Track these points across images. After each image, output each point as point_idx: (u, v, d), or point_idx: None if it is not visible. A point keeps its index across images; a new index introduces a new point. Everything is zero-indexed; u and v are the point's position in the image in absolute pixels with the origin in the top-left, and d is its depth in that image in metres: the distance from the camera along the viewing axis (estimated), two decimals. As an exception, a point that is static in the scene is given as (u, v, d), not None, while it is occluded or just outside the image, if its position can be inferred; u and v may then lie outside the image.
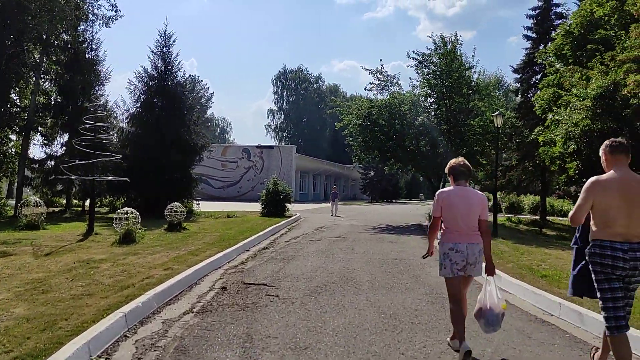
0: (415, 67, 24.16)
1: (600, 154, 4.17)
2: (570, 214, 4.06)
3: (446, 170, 4.91)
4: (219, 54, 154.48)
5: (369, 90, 24.70)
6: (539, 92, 20.95)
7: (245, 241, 12.90)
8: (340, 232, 17.53)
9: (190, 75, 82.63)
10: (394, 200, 68.61)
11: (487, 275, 4.76)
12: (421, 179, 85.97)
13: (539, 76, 25.23)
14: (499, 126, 17.40)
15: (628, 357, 3.82)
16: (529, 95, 25.72)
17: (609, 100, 14.88)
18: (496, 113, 17.63)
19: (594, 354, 4.46)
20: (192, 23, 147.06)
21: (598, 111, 15.07)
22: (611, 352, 4.02)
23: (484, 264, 4.81)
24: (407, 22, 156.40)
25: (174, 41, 23.90)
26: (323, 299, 7.11)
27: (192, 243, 12.28)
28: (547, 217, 27.51)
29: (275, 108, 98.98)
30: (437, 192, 4.89)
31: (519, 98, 27.89)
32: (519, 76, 26.76)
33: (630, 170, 3.95)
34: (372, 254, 11.95)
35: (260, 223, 18.82)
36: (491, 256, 4.79)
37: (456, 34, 23.50)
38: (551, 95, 18.87)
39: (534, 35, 25.93)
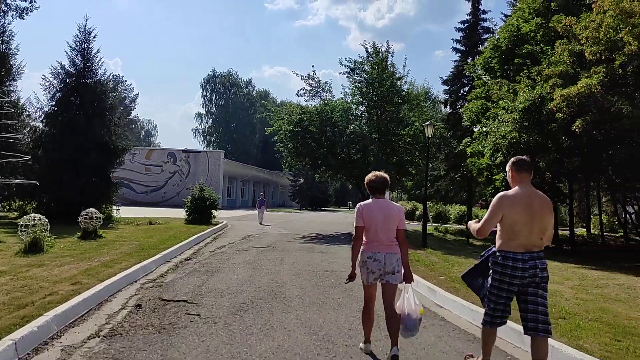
0: (347, 75, 24.03)
1: (507, 170, 4.47)
2: (477, 227, 4.40)
3: (365, 184, 5.14)
4: (146, 55, 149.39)
5: (301, 96, 24.34)
6: (467, 104, 21.32)
7: (167, 251, 11.94)
8: (268, 241, 16.84)
9: (113, 75, 78.88)
10: (323, 208, 68.60)
11: (405, 283, 4.99)
12: (350, 187, 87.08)
13: (467, 88, 25.83)
14: (430, 136, 17.44)
15: (491, 345, 4.57)
16: (457, 107, 26.27)
17: (535, 113, 15.22)
18: (427, 123, 17.66)
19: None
20: (117, 21, 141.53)
21: (525, 124, 15.37)
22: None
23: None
24: (337, 31, 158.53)
25: (94, 37, 22.33)
26: (249, 318, 6.44)
27: (108, 253, 11.19)
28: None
29: (203, 112, 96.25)
30: (357, 205, 5.10)
31: (447, 109, 28.51)
32: (447, 87, 27.33)
33: (532, 186, 4.34)
34: (302, 266, 11.37)
35: (184, 231, 17.77)
36: (409, 264, 5.01)
37: (388, 44, 23.63)
38: (479, 108, 19.21)
39: (462, 48, 26.58)
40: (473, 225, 4.54)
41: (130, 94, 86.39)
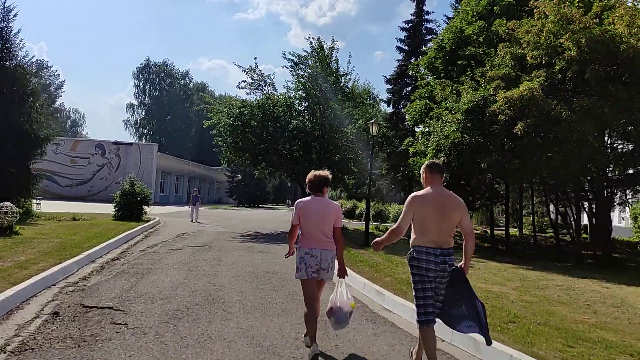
0: (290, 69, 23.48)
1: (422, 172, 4.84)
2: (394, 226, 4.66)
3: (307, 184, 5.32)
4: (75, 41, 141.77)
5: (242, 88, 23.48)
6: (411, 103, 21.33)
7: (91, 250, 10.94)
8: (205, 240, 16.04)
9: (37, 59, 74.19)
10: (261, 205, 67.68)
11: (339, 277, 5.18)
12: (289, 184, 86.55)
13: (410, 88, 25.95)
14: (375, 134, 17.19)
15: (433, 346, 4.47)
16: (399, 106, 26.34)
17: (478, 115, 15.27)
18: (372, 121, 17.40)
19: (412, 350, 5.07)
20: (44, 3, 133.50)
21: (468, 125, 15.40)
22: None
23: (336, 269, 5.26)
24: (278, 26, 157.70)
25: (15, 16, 20.44)
26: (184, 327, 5.79)
27: (24, 252, 10.09)
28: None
29: (135, 103, 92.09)
30: (296, 202, 5.24)
31: (389, 108, 28.56)
32: (391, 87, 27.36)
33: (443, 187, 4.66)
34: (241, 266, 10.73)
35: (112, 228, 16.61)
36: (343, 260, 5.22)
37: (333, 39, 23.27)
38: (423, 108, 19.20)
39: (406, 48, 26.69)
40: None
41: (55, 81, 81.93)
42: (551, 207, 28.56)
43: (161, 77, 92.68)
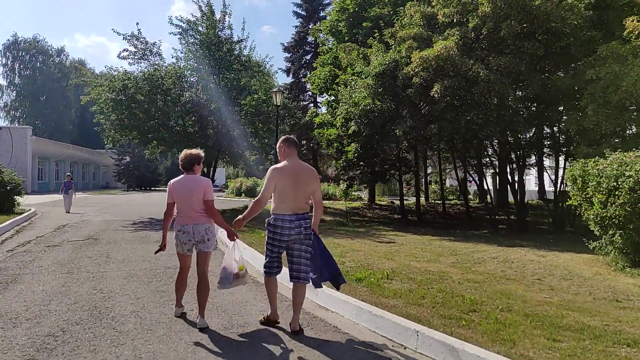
0: (179, 36, 21.09)
1: (279, 147, 5.13)
2: (259, 196, 5.01)
3: (180, 164, 5.42)
4: None
5: (124, 58, 20.56)
6: (314, 71, 19.99)
7: None
8: (90, 231, 13.75)
9: None
10: (153, 188, 63.68)
11: (230, 240, 5.43)
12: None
13: (309, 56, 24.56)
14: (279, 104, 15.63)
15: (274, 290, 5.16)
16: (300, 75, 24.91)
17: (390, 79, 14.30)
18: (275, 89, 15.84)
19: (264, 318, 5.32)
20: None
21: (380, 90, 14.39)
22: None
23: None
24: (161, 1, 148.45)
25: None
26: (57, 366, 4.05)
27: None
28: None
29: (4, 83, 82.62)
30: (168, 182, 5.46)
31: (289, 78, 26.92)
32: (289, 55, 25.73)
33: (299, 159, 5.07)
34: (135, 262, 8.87)
35: (-30, 225, 13.76)
36: (227, 225, 5.33)
37: (224, 3, 21.05)
38: (327, 75, 17.93)
39: (303, 13, 25.12)
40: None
41: None
42: (453, 174, 28.97)
43: (32, 54, 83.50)
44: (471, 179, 19.92)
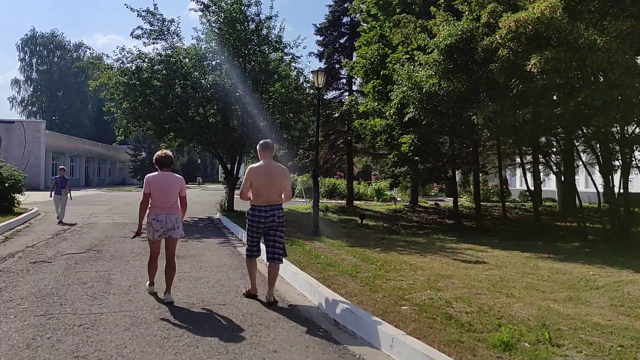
0: (200, 13, 18.33)
1: (258, 148, 6.16)
2: (239, 192, 6.10)
3: (154, 160, 6.24)
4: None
5: (137, 37, 17.76)
6: (358, 50, 17.12)
7: None
8: (93, 239, 11.10)
9: None
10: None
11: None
12: (199, 160, 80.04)
13: (345, 38, 21.71)
14: (321, 85, 12.77)
15: (254, 271, 6.17)
16: (333, 61, 22.00)
17: (462, 53, 11.41)
18: (316, 69, 13.00)
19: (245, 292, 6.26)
20: None
21: (450, 67, 11.49)
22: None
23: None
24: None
25: None
26: None
27: None
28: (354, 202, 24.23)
29: (22, 78, 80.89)
30: (146, 176, 6.20)
31: (321, 63, 23.79)
32: (322, 38, 22.78)
33: (273, 160, 6.11)
34: (144, 295, 6.15)
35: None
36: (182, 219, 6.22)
37: (251, -26, 18.12)
38: (376, 54, 15.06)
39: (339, -12, 22.18)
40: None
41: None
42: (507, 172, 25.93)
43: (50, 49, 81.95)
44: (509, 179, 17.28)
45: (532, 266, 8.74)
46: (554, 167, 14.57)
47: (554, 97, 10.16)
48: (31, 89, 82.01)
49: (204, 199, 29.14)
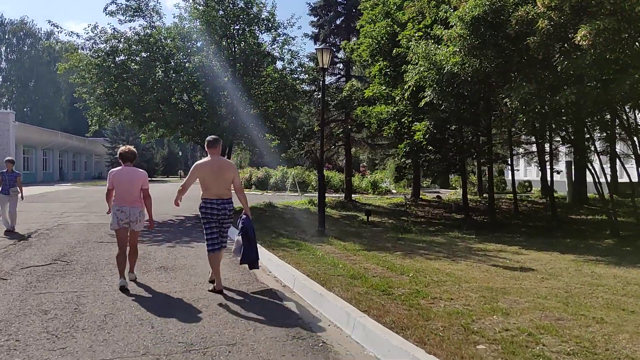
0: (182, -11, 16.64)
1: (205, 145, 6.37)
2: (183, 184, 6.31)
3: (118, 155, 6.58)
4: None
5: (112, 14, 15.93)
6: (362, 28, 15.58)
7: None
8: (62, 246, 9.46)
9: None
10: (149, 179, 59.14)
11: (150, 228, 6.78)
12: (180, 152, 77.71)
13: (340, 20, 20.16)
14: (326, 65, 11.23)
15: (217, 265, 6.16)
16: (329, 42, 20.43)
17: (490, 27, 10.00)
18: (321, 46, 11.49)
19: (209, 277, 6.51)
20: None
21: (476, 43, 10.06)
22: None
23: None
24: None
25: None
26: None
27: None
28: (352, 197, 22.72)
29: (-10, 67, 77.87)
30: (109, 171, 6.53)
31: (317, 46, 22.20)
32: (316, 19, 21.16)
33: (221, 156, 6.48)
34: (125, 333, 4.60)
35: None
36: (151, 213, 6.58)
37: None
38: (384, 32, 13.58)
39: (336, -36, 20.60)
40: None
41: None
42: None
43: (19, 37, 78.64)
44: (509, 168, 16.08)
45: (590, 273, 7.40)
46: (590, 156, 13.20)
47: (602, 76, 8.81)
48: (0, 79, 78.63)
49: (187, 194, 27.32)
